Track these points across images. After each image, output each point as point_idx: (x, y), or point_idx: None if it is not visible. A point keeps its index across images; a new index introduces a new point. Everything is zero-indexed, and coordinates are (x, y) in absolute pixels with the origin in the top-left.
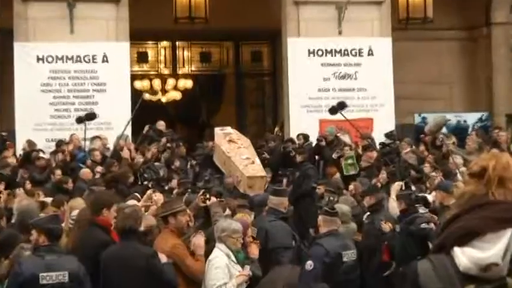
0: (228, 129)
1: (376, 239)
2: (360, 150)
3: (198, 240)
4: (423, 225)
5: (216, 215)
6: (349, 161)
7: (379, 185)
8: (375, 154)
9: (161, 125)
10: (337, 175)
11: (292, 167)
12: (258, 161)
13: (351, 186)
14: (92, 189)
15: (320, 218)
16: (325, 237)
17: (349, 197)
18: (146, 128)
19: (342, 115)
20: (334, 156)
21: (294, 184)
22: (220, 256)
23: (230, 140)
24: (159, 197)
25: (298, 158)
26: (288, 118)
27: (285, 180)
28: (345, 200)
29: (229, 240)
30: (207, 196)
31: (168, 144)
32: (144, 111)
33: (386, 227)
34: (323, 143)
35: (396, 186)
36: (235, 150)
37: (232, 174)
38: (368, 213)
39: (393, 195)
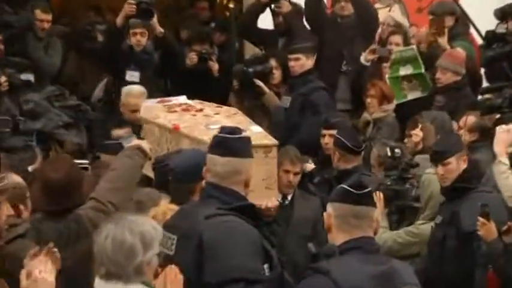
0: (181, 99)
1: (466, 257)
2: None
3: (40, 267)
4: None
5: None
6: (405, 70)
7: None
8: (463, 54)
9: None
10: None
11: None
12: (256, 128)
13: (412, 139)
14: None
15: (329, 209)
16: (340, 255)
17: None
18: None
19: None
20: (364, 59)
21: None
22: None
23: (185, 109)
24: None
25: (303, 63)
26: None
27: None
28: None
29: (149, 272)
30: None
31: None
32: None
33: (489, 230)
34: None
35: (502, 134)
36: (196, 118)
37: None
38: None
39: (503, 158)
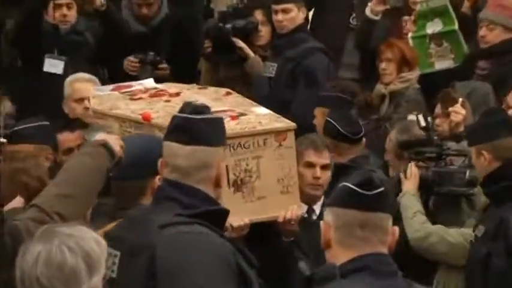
0: (146, 83)
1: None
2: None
3: None
4: None
5: None
6: (434, 27)
7: None
8: None
9: None
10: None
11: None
12: (261, 109)
13: (450, 119)
14: None
15: (328, 216)
16: (342, 278)
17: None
18: None
19: None
20: (371, 12)
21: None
22: None
23: (155, 95)
24: None
25: (293, 16)
26: None
27: None
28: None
29: None
30: None
31: None
32: None
33: None
34: None
35: None
36: (172, 105)
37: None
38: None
39: None
